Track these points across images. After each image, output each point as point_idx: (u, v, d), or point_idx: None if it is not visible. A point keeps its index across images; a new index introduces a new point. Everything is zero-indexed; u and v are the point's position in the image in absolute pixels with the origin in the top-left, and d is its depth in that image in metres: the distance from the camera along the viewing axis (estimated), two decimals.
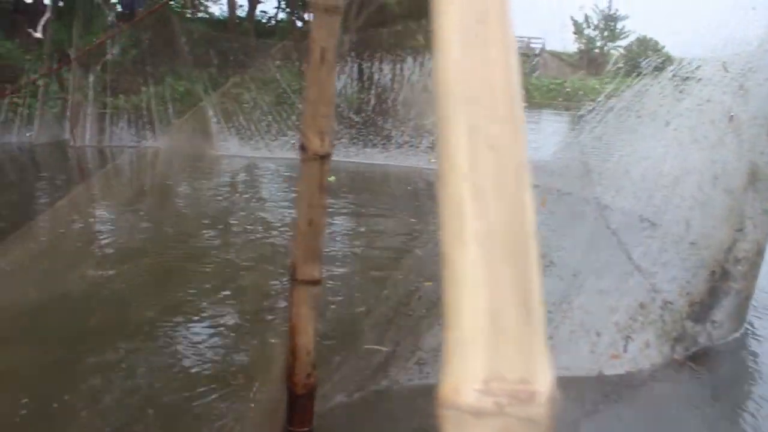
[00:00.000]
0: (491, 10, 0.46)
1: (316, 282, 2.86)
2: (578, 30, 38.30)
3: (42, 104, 14.01)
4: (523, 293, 0.43)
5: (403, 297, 4.15)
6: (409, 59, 14.39)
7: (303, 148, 2.73)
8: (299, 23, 16.51)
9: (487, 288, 0.43)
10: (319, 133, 2.70)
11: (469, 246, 0.43)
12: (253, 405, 3.41)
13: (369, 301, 4.71)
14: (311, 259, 2.84)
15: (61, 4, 16.17)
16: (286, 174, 11.23)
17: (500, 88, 0.45)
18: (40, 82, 15.23)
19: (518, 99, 0.45)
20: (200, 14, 16.15)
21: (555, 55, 36.94)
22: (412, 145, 12.62)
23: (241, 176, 11.90)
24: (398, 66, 14.59)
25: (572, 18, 37.87)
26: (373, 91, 14.50)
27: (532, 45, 35.89)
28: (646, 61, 5.27)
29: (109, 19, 15.75)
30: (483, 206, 0.44)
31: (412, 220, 7.78)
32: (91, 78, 14.57)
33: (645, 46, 27.09)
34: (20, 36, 15.46)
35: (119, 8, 17.92)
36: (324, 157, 2.73)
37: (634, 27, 37.53)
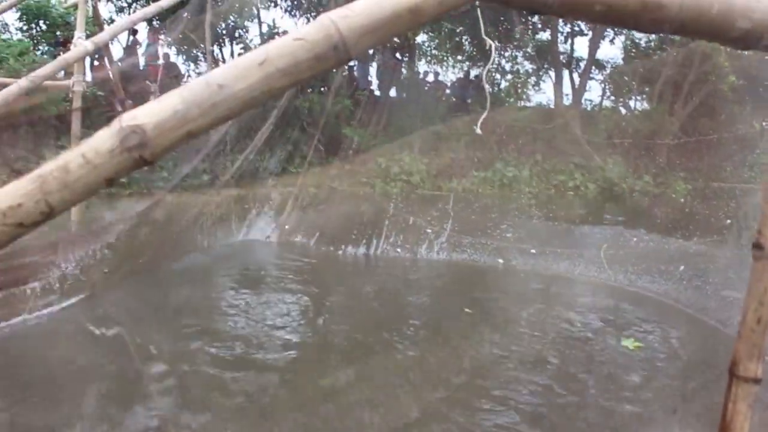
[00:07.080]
0: None
1: (757, 380, 2.82)
2: None
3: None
4: None
5: None
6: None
7: (758, 246, 2.77)
8: (623, 110, 16.44)
9: None
10: None
11: None
12: None
13: None
14: (755, 356, 2.81)
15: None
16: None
17: None
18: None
19: None
20: (524, 103, 17.10)
21: None
22: None
23: None
24: None
25: None
26: None
27: None
28: None
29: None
30: None
31: None
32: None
33: None
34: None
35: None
36: None
37: None
